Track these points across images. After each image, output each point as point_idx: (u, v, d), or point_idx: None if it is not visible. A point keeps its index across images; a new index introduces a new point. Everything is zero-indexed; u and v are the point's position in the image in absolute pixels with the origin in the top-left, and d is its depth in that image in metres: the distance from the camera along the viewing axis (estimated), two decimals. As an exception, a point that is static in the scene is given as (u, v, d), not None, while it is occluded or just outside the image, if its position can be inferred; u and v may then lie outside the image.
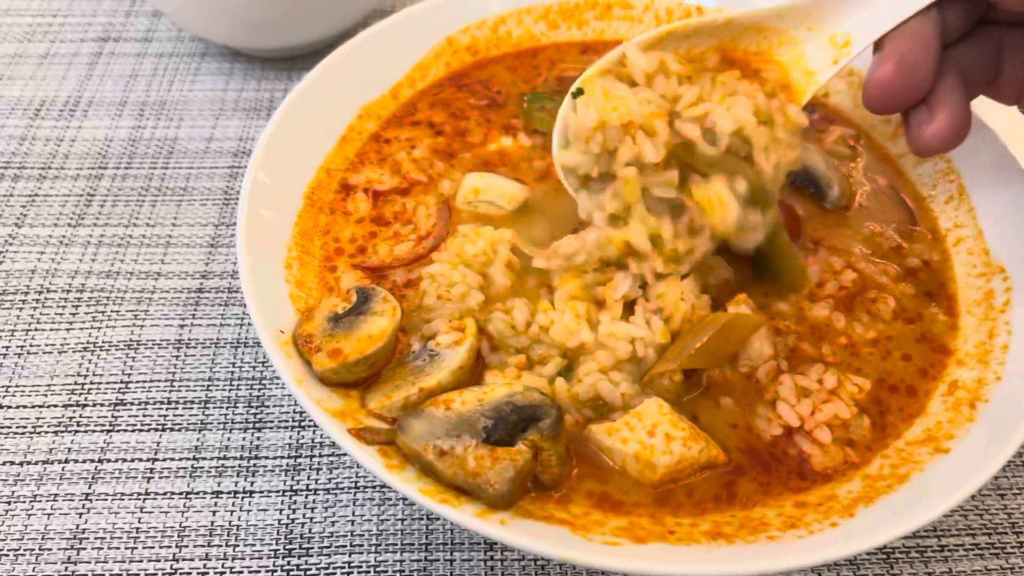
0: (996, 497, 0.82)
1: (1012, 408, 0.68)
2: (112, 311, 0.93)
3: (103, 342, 0.90)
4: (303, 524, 0.78)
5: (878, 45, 0.70)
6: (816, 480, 0.68)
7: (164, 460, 0.82)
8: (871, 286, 0.82)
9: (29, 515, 0.78)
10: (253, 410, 0.86)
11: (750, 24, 0.77)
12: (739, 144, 0.73)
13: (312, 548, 0.77)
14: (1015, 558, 0.78)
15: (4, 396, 0.86)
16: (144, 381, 0.88)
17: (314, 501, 0.80)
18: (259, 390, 0.87)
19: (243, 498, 0.80)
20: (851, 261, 0.84)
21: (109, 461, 0.82)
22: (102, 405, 0.86)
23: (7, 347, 0.90)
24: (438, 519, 0.78)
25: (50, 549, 0.76)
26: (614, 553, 0.60)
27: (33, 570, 0.74)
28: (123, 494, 0.80)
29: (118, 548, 0.76)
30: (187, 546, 0.77)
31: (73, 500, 0.79)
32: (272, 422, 0.85)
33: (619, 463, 0.69)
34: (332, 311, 0.75)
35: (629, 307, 0.76)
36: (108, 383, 0.87)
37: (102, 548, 0.76)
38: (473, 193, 0.88)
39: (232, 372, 0.89)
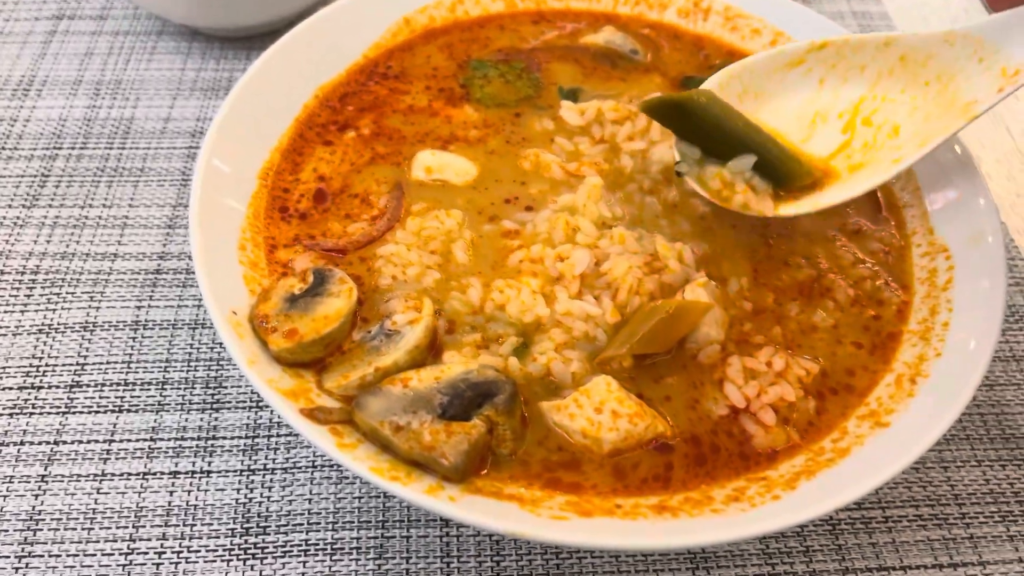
0: (940, 470, 0.84)
1: (951, 382, 0.70)
2: (68, 292, 0.93)
3: (59, 324, 0.90)
4: (260, 503, 0.79)
5: None
6: (759, 460, 0.70)
7: (121, 441, 0.82)
8: (830, 271, 0.83)
9: (-16, 497, 0.78)
10: (211, 391, 0.86)
11: (914, 48, 0.76)
12: None
13: (269, 527, 0.78)
14: (957, 528, 0.80)
15: (-42, 379, 0.85)
16: (100, 363, 0.87)
17: (271, 480, 0.80)
18: (217, 371, 0.88)
19: (200, 478, 0.80)
20: (815, 249, 0.85)
21: (65, 443, 0.82)
22: (57, 387, 0.85)
23: (-40, 329, 0.89)
24: (395, 497, 0.79)
25: (6, 531, 0.76)
26: (561, 528, 0.61)
27: (-12, 551, 0.75)
28: (79, 475, 0.80)
29: (74, 529, 0.77)
30: (144, 526, 0.77)
31: (29, 482, 0.79)
32: (230, 402, 0.85)
33: (569, 438, 0.70)
34: (289, 292, 0.75)
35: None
36: (64, 365, 0.87)
37: (58, 529, 0.76)
38: (426, 172, 0.88)
39: (190, 353, 0.89)
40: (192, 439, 0.83)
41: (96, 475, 0.80)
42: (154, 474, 0.80)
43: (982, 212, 0.79)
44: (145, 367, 0.87)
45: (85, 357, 0.88)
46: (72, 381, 0.86)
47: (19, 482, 0.79)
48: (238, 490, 0.80)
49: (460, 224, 0.83)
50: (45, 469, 0.80)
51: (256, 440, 0.83)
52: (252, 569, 0.75)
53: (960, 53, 0.74)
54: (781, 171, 0.79)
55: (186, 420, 0.84)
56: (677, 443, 0.71)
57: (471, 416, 0.68)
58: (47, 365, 0.87)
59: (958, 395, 0.66)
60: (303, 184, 0.87)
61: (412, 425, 0.66)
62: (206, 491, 0.79)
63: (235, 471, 0.81)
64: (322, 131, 0.92)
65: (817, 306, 0.80)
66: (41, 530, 0.76)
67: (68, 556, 0.75)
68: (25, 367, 0.87)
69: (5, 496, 0.78)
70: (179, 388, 0.86)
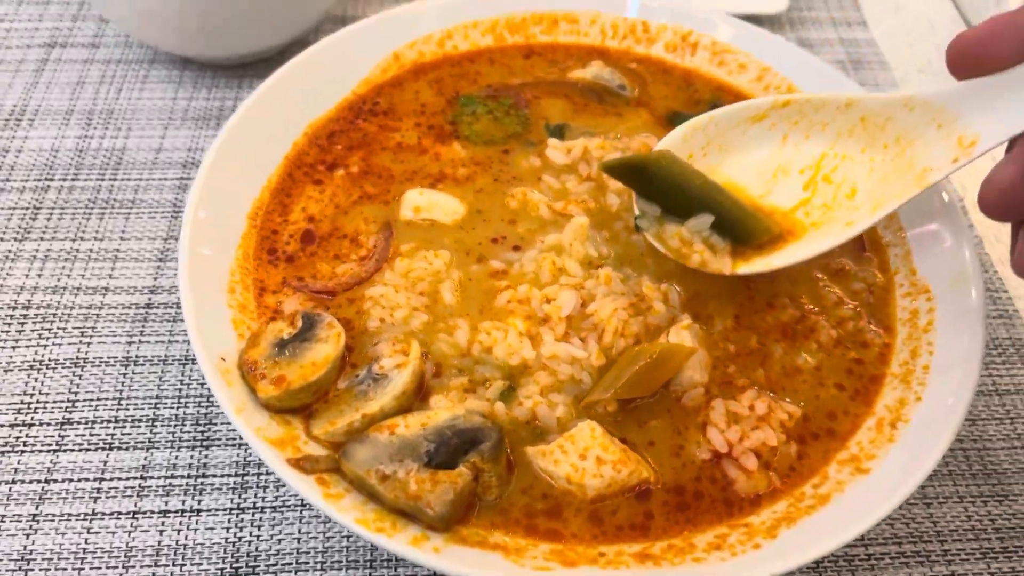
0: (923, 506, 0.85)
1: (930, 429, 0.71)
2: (59, 328, 0.93)
3: (50, 360, 0.91)
4: (250, 542, 0.80)
5: (1009, 144, 0.66)
6: (742, 506, 0.71)
7: (111, 480, 0.83)
8: (813, 312, 0.84)
9: (-25, 537, 0.79)
10: (201, 428, 0.87)
11: (874, 111, 0.77)
12: None
13: (259, 566, 0.78)
14: (939, 566, 0.81)
15: (-51, 416, 0.86)
16: (91, 399, 0.88)
17: (261, 519, 0.81)
18: (207, 408, 0.88)
19: (190, 517, 0.81)
20: (798, 289, 0.86)
21: (56, 481, 0.83)
22: (48, 424, 0.86)
23: (-48, 366, 0.90)
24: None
25: (-2, 571, 0.77)
26: (544, 578, 0.62)
27: (-21, 593, 0.75)
28: (70, 514, 0.81)
29: (65, 569, 0.77)
30: (134, 566, 0.78)
31: (20, 521, 0.80)
32: (220, 440, 0.86)
33: (554, 483, 0.71)
34: (278, 336, 0.76)
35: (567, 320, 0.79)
36: (55, 402, 0.88)
37: (49, 570, 0.77)
38: (414, 211, 0.89)
39: (180, 390, 0.89)
40: (182, 477, 0.84)
41: (87, 514, 0.81)
42: (144, 513, 0.81)
43: (965, 257, 0.80)
44: (136, 404, 0.88)
45: (76, 393, 0.88)
46: (63, 418, 0.87)
47: (11, 521, 0.80)
48: (227, 529, 0.81)
49: (448, 264, 0.84)
50: (36, 508, 0.81)
51: (246, 478, 0.84)
52: (241, 610, 0.76)
53: (920, 119, 0.74)
54: (739, 229, 0.80)
55: (176, 457, 0.85)
56: (658, 490, 0.72)
57: (457, 463, 0.69)
58: (38, 402, 0.88)
59: (936, 444, 0.68)
60: (292, 225, 0.88)
61: (398, 474, 0.67)
62: (196, 530, 0.80)
63: (225, 510, 0.82)
64: (310, 170, 0.93)
65: (800, 348, 0.81)
66: (32, 570, 0.77)
67: (59, 598, 0.75)
68: (16, 404, 0.87)
69: (-4, 536, 0.79)
70: (169, 425, 0.87)
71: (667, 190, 0.80)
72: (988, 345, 0.97)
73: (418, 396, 0.76)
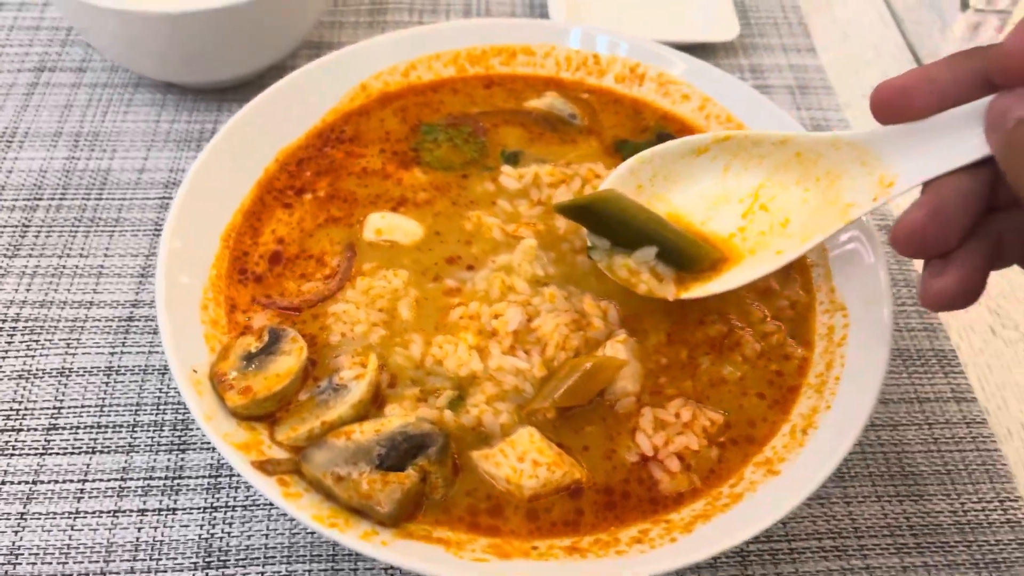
0: (843, 504, 0.92)
1: (836, 435, 0.78)
2: (46, 339, 1.00)
3: (37, 369, 0.98)
4: (221, 538, 0.87)
5: (924, 187, 0.70)
6: (666, 504, 0.78)
7: (94, 481, 0.90)
8: (740, 327, 0.91)
9: (-33, 534, 0.85)
10: (178, 433, 0.94)
11: (807, 148, 0.83)
12: None
13: (229, 560, 0.85)
14: (855, 559, 0.88)
15: (-57, 422, 0.93)
16: (76, 407, 0.95)
17: (232, 517, 0.88)
18: (184, 414, 0.95)
19: (167, 515, 0.88)
20: (727, 306, 0.93)
21: (42, 483, 0.89)
22: (35, 430, 0.93)
23: (-54, 375, 0.96)
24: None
25: (-12, 565, 0.84)
26: (481, 569, 0.70)
27: (-30, 585, 0.82)
28: (55, 513, 0.87)
29: (50, 563, 0.84)
30: (114, 560, 0.85)
31: (9, 519, 0.87)
32: (195, 444, 0.93)
33: (495, 484, 0.78)
34: (246, 350, 0.83)
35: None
36: (41, 409, 0.95)
37: (36, 564, 0.84)
38: (376, 233, 0.96)
39: (159, 397, 0.96)
40: (160, 478, 0.90)
41: (71, 513, 0.88)
42: (124, 511, 0.88)
43: (879, 278, 0.88)
44: (117, 411, 0.95)
45: (61, 401, 0.95)
46: (49, 424, 0.94)
47: (1, 520, 0.87)
48: (201, 526, 0.87)
49: (406, 283, 0.91)
50: (24, 507, 0.88)
51: (219, 480, 0.91)
52: (212, 600, 0.83)
53: (846, 156, 0.80)
54: (682, 257, 0.87)
55: (154, 460, 0.92)
56: (589, 489, 0.79)
57: (406, 466, 0.76)
58: (26, 409, 0.95)
59: (838, 448, 0.75)
60: (262, 246, 0.95)
61: (352, 475, 0.74)
62: (171, 527, 0.87)
63: (199, 508, 0.89)
64: (280, 195, 1.00)
65: (727, 360, 0.88)
66: (20, 564, 0.84)
67: (44, 589, 0.82)
68: (6, 411, 0.94)
69: (-13, 533, 0.86)
70: (148, 430, 0.94)
71: (614, 226, 0.87)
72: (912, 356, 1.05)
73: (375, 404, 0.83)
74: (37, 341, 1.00)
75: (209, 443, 0.93)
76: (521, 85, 1.13)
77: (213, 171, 0.94)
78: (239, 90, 1.29)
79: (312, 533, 0.87)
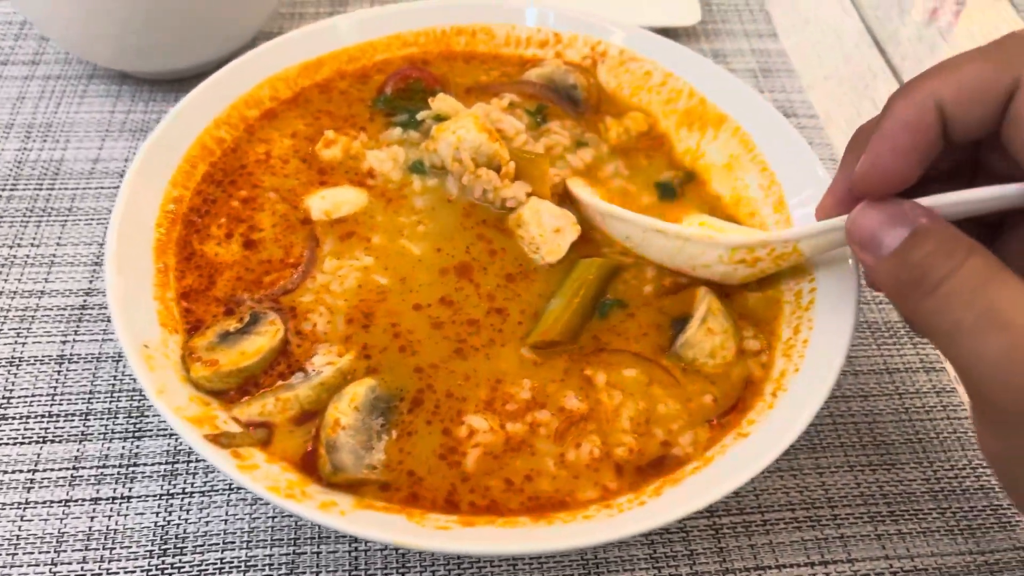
0: (816, 475, 0.92)
1: (804, 396, 0.77)
2: (-6, 329, 0.97)
3: (-15, 360, 0.94)
4: (179, 525, 0.84)
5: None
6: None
7: (44, 471, 0.87)
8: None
9: (-90, 527, 0.82)
10: (133, 420, 0.91)
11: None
12: None
13: (187, 547, 0.82)
14: (829, 529, 0.87)
15: None
16: (26, 396, 0.92)
17: (190, 503, 0.85)
18: (139, 400, 0.92)
19: (121, 504, 0.85)
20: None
21: (-10, 473, 0.86)
22: (-17, 420, 0.90)
23: None
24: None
25: (-69, 559, 0.80)
26: (444, 536, 0.67)
27: (-87, 579, 0.78)
28: (4, 504, 0.84)
29: (-1, 555, 0.81)
30: (65, 550, 0.81)
31: (-45, 512, 0.83)
32: (151, 431, 0.90)
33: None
34: (224, 329, 0.82)
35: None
36: (-10, 399, 0.91)
37: (-18, 556, 0.81)
38: (326, 215, 0.94)
39: (113, 384, 0.93)
40: (114, 467, 0.87)
41: (20, 503, 0.84)
42: (76, 501, 0.85)
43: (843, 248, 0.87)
44: (69, 399, 0.92)
45: (11, 391, 0.92)
46: (-2, 414, 0.90)
47: (-55, 512, 0.83)
48: (157, 513, 0.84)
49: (370, 272, 0.89)
50: (-30, 499, 0.84)
51: (176, 466, 0.88)
52: (167, 587, 0.80)
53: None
54: None
55: (108, 448, 0.89)
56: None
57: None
58: (-26, 399, 0.91)
59: (804, 409, 0.74)
60: (214, 230, 0.93)
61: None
62: (126, 516, 0.84)
63: (155, 496, 0.86)
64: (227, 182, 0.98)
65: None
66: (-34, 557, 0.80)
67: (-9, 581, 0.79)
68: (-48, 402, 0.91)
69: (-69, 526, 0.82)
70: (102, 418, 0.91)
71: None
72: (881, 327, 1.04)
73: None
74: (-15, 331, 0.97)
75: (166, 429, 0.90)
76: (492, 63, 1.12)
77: (161, 157, 0.92)
78: (196, 80, 1.25)
79: (273, 518, 0.85)
